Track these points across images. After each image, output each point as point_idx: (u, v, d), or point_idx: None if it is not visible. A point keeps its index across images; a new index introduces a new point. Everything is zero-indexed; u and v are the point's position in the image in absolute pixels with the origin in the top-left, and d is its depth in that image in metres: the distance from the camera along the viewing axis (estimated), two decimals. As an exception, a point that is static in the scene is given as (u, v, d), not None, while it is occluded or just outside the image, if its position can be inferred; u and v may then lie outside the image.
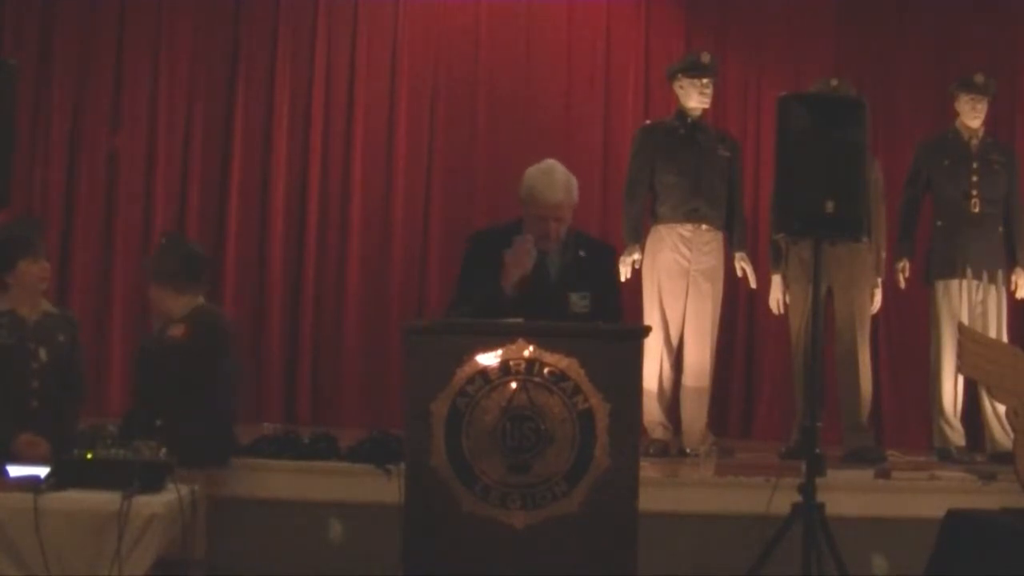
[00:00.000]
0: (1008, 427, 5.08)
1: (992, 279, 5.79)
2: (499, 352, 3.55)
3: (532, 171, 3.96)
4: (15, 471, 3.85)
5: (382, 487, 4.50)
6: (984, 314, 5.77)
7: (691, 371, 5.67)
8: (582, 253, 3.97)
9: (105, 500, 3.70)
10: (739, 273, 5.91)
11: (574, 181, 3.97)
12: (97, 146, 7.03)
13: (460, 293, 3.96)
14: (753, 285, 6.03)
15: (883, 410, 6.83)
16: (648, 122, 6.16)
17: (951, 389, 5.74)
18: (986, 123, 5.98)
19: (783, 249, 5.68)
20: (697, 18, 7.41)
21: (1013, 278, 5.83)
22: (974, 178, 5.81)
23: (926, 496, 4.75)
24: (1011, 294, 5.86)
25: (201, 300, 4.47)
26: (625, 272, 5.67)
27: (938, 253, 5.86)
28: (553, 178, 3.91)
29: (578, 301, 3.86)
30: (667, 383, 5.67)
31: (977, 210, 5.79)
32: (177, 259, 4.46)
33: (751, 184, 6.88)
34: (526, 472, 3.53)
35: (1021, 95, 7.24)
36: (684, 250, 5.64)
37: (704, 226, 5.66)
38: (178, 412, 4.23)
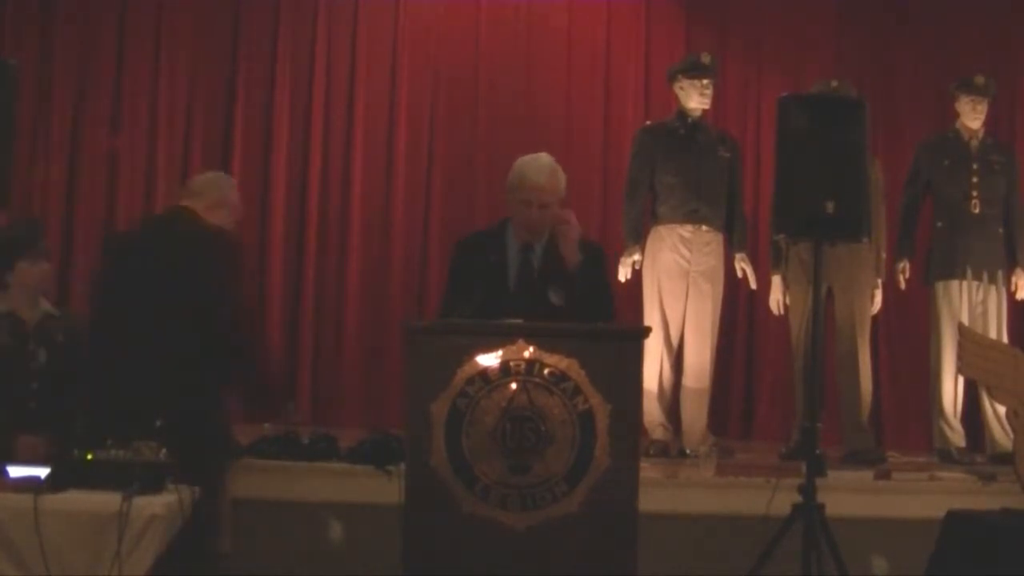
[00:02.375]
0: (1008, 428, 5.10)
1: (992, 280, 5.80)
2: (499, 353, 3.55)
3: (521, 158, 4.05)
4: (15, 472, 3.84)
5: (382, 487, 4.49)
6: (984, 315, 5.78)
7: (691, 372, 5.68)
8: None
9: (105, 501, 3.69)
10: (739, 274, 5.92)
11: (562, 174, 4.00)
12: (97, 146, 7.03)
13: (447, 302, 4.00)
14: (753, 286, 6.03)
15: (883, 411, 6.83)
16: (648, 123, 6.16)
17: (951, 390, 5.75)
18: (986, 123, 5.98)
19: (783, 250, 5.69)
20: (697, 18, 7.41)
21: (1013, 279, 5.84)
22: (974, 179, 5.81)
23: (926, 497, 4.76)
24: (1011, 295, 5.87)
25: None
26: (625, 273, 5.68)
27: (938, 254, 5.86)
28: (539, 162, 4.00)
29: (555, 295, 3.87)
30: (667, 384, 5.67)
31: (977, 211, 5.79)
32: None
33: (751, 185, 6.88)
34: (526, 473, 3.53)
35: (1021, 95, 7.24)
36: (684, 251, 5.64)
37: (704, 227, 5.66)
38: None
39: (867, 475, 5.06)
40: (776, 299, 5.82)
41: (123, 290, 4.05)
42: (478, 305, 3.81)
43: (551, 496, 3.54)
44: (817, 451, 4.20)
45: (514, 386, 3.55)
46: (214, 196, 4.22)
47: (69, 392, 4.43)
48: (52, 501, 3.70)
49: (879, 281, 5.79)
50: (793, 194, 4.25)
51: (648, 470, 4.78)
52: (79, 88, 7.04)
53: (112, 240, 4.23)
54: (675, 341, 5.66)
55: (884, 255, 5.83)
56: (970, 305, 5.77)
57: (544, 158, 4.02)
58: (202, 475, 3.92)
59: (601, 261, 4.16)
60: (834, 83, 5.63)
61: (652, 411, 5.58)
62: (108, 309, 4.06)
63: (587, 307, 3.85)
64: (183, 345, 3.91)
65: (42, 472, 3.81)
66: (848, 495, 4.68)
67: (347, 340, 7.08)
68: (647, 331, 4.01)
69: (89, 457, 3.84)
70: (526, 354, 3.56)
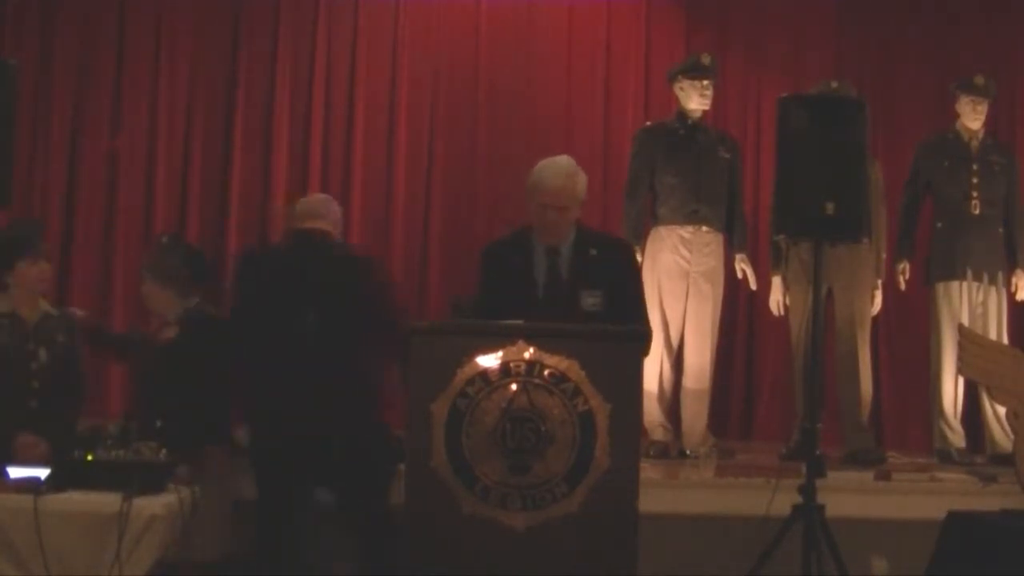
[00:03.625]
0: (1008, 429, 5.10)
1: (992, 280, 5.79)
2: (499, 354, 3.56)
3: (541, 161, 4.06)
4: (15, 472, 3.85)
5: (382, 488, 4.49)
6: (984, 315, 5.77)
7: (691, 372, 5.67)
8: (593, 251, 3.99)
9: (105, 501, 3.71)
10: (739, 274, 5.91)
11: (582, 176, 4.01)
12: (97, 146, 7.03)
13: (485, 306, 4.00)
14: (753, 286, 6.02)
15: (883, 411, 6.82)
16: (648, 123, 6.15)
17: (951, 391, 5.74)
18: (986, 124, 5.98)
19: (783, 250, 5.68)
20: (697, 19, 7.40)
21: (1013, 280, 5.83)
22: (974, 179, 5.81)
23: (926, 498, 4.76)
24: (1011, 295, 5.86)
25: (195, 301, 4.47)
26: (625, 274, 5.67)
27: (938, 254, 5.86)
28: (556, 166, 4.01)
29: (589, 299, 3.88)
30: (667, 384, 5.67)
31: (977, 211, 5.79)
32: (181, 260, 4.47)
33: (751, 185, 6.86)
34: (526, 473, 3.54)
35: (1021, 95, 7.24)
36: (684, 251, 5.63)
37: (704, 228, 5.66)
38: (171, 414, 4.25)
39: (867, 476, 5.06)
40: (776, 299, 5.81)
41: (285, 302, 4.03)
42: (476, 308, 3.81)
43: (551, 496, 3.54)
44: (817, 452, 4.20)
45: (514, 387, 3.55)
46: (332, 217, 4.34)
47: (69, 392, 4.44)
48: (52, 502, 3.71)
49: (879, 282, 5.79)
50: (793, 194, 4.25)
51: (648, 471, 4.78)
52: (79, 88, 7.03)
53: (259, 254, 4.39)
54: (675, 342, 5.65)
55: (884, 255, 5.83)
56: (970, 306, 5.77)
57: (562, 161, 4.03)
58: (373, 479, 3.91)
59: (630, 261, 4.19)
60: (834, 83, 5.63)
61: (652, 412, 5.58)
62: (267, 321, 4.04)
63: (618, 310, 3.85)
64: (352, 350, 3.98)
65: (42, 473, 3.82)
66: (848, 496, 4.68)
67: (347, 340, 7.06)
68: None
69: (89, 458, 3.85)
70: (526, 355, 3.56)
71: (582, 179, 4.01)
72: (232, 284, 4.28)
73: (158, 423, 4.26)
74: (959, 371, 5.08)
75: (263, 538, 4.09)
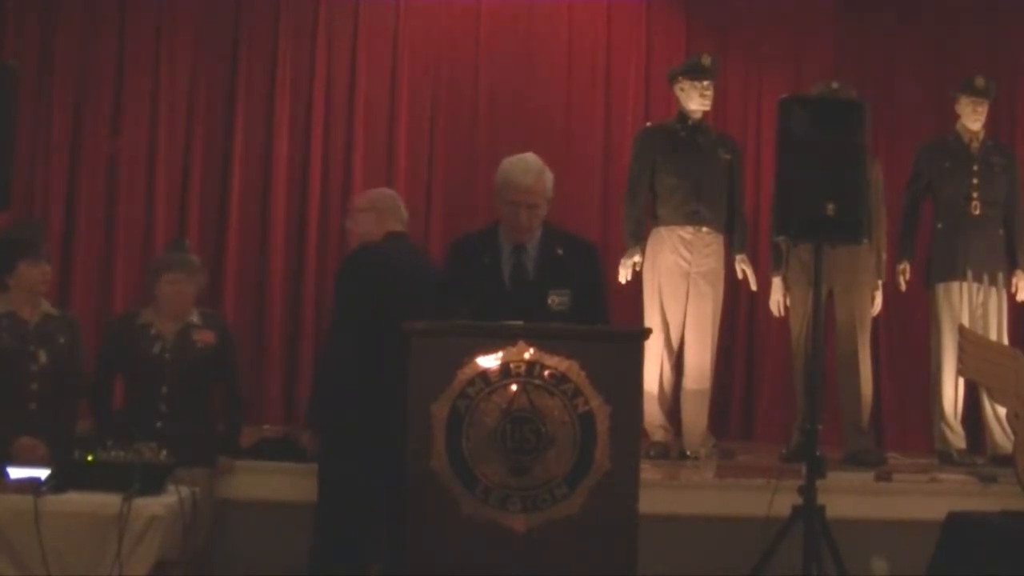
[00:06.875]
0: (1008, 430, 5.10)
1: (992, 281, 5.79)
2: (499, 354, 3.55)
3: (506, 159, 4.01)
4: (16, 473, 3.84)
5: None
6: (984, 316, 5.77)
7: (692, 373, 5.67)
8: (560, 251, 3.96)
9: (105, 502, 3.71)
10: (739, 275, 5.92)
11: (549, 174, 3.97)
12: (97, 146, 7.03)
13: (442, 303, 3.97)
14: (754, 287, 6.03)
15: (883, 412, 6.82)
16: (649, 124, 6.16)
17: (952, 391, 5.74)
18: (986, 125, 5.98)
19: (783, 251, 5.68)
20: (697, 19, 7.41)
21: (1014, 280, 5.83)
22: (975, 180, 5.81)
23: (926, 498, 4.76)
24: (1011, 296, 5.86)
25: None
26: (625, 274, 5.68)
27: (938, 255, 5.86)
28: (526, 163, 3.96)
29: (556, 299, 3.86)
30: (668, 385, 5.67)
31: (978, 212, 5.78)
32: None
33: (752, 186, 6.87)
34: (526, 474, 3.53)
35: (1021, 95, 7.24)
36: (684, 252, 5.64)
37: (705, 228, 5.66)
38: (203, 414, 4.42)
39: (867, 477, 5.06)
40: (776, 300, 5.81)
41: (390, 295, 4.20)
42: (477, 308, 3.80)
43: (551, 498, 3.53)
44: (817, 452, 4.19)
45: (514, 387, 3.54)
46: (387, 205, 4.62)
47: (69, 393, 4.44)
48: (52, 502, 3.71)
49: (879, 282, 5.79)
50: (794, 196, 4.25)
51: (648, 472, 4.78)
52: (79, 88, 7.03)
53: (373, 251, 4.52)
54: (675, 343, 5.66)
55: (884, 256, 5.83)
56: (970, 307, 5.77)
57: (530, 158, 3.97)
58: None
59: (595, 262, 4.14)
60: (834, 84, 5.62)
61: (652, 413, 5.58)
62: (375, 310, 4.20)
63: (584, 310, 3.84)
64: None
65: (42, 473, 3.82)
66: (848, 497, 4.68)
67: (347, 341, 7.06)
68: (647, 333, 3.99)
69: (90, 459, 3.85)
70: (526, 355, 3.55)
71: (549, 176, 3.97)
72: (350, 277, 4.50)
73: (158, 424, 4.29)
74: (959, 372, 5.08)
75: (336, 539, 4.12)
